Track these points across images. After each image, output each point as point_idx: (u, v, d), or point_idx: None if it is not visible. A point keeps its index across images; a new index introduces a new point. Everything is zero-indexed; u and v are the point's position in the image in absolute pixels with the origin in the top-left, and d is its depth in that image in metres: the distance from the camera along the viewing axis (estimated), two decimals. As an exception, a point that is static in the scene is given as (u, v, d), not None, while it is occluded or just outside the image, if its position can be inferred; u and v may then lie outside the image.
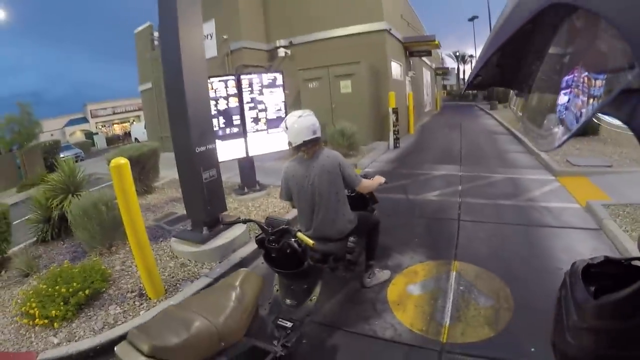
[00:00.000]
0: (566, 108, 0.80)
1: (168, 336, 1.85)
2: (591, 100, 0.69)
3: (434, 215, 5.92)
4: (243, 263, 4.75)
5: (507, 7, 0.90)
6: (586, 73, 0.74)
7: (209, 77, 6.67)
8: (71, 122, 48.01)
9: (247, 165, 7.74)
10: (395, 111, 11.86)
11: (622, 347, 1.09)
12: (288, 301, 2.94)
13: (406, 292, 3.88)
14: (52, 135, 35.56)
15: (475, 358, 2.92)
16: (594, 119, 0.77)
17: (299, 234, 2.64)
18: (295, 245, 2.63)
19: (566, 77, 0.82)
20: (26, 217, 7.16)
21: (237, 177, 8.10)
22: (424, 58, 22.40)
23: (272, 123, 7.41)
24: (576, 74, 0.77)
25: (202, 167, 4.92)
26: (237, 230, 5.23)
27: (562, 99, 0.83)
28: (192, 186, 5.05)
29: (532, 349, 2.87)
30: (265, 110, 7.38)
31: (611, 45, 0.65)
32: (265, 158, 8.38)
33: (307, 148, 3.37)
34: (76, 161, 23.15)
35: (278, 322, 2.78)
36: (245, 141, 7.29)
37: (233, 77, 7.09)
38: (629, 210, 5.15)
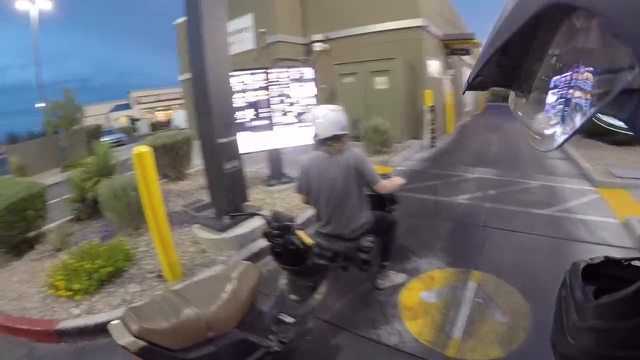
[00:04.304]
0: (566, 109, 0.78)
1: (158, 320, 1.94)
2: (591, 101, 0.69)
3: (460, 219, 5.70)
4: (261, 254, 4.84)
5: (507, 7, 0.90)
6: (586, 73, 0.73)
7: (238, 70, 6.82)
8: (116, 108, 49.81)
9: (275, 158, 7.89)
10: (431, 109, 11.55)
11: (622, 347, 1.07)
12: (292, 296, 2.98)
13: (419, 298, 3.75)
14: (96, 120, 36.91)
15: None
16: (594, 119, 0.77)
17: (298, 232, 2.68)
18: (296, 242, 2.67)
19: (566, 77, 0.81)
20: (64, 197, 7.50)
21: (266, 169, 8.26)
22: (466, 57, 21.85)
23: (302, 117, 7.47)
24: (576, 74, 0.76)
25: (224, 157, 5.05)
26: (258, 220, 5.33)
27: (562, 99, 0.82)
28: (214, 176, 5.20)
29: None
30: (294, 104, 7.45)
31: (611, 45, 0.64)
32: (297, 150, 8.48)
33: (332, 143, 3.35)
34: (118, 145, 24.19)
35: (279, 316, 2.80)
36: (274, 134, 7.40)
37: (262, 71, 7.20)
38: (672, 230, 4.61)
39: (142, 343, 1.83)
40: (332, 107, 3.42)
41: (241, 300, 2.29)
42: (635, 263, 1.36)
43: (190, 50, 4.99)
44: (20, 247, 6.00)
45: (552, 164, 9.10)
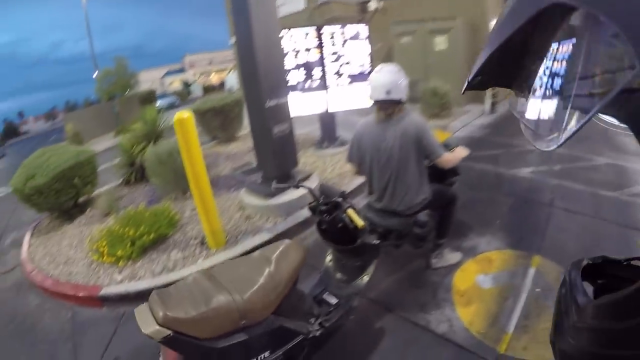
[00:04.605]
0: (566, 108, 0.78)
1: (186, 307, 1.74)
2: (591, 100, 0.69)
3: (523, 194, 5.06)
4: (308, 222, 4.51)
5: (507, 6, 0.91)
6: (586, 73, 0.73)
7: (289, 29, 6.35)
8: (170, 73, 50.96)
9: (327, 120, 7.40)
10: (493, 73, 10.63)
11: (622, 347, 1.04)
12: (339, 275, 2.69)
13: (474, 282, 3.32)
14: (151, 85, 37.80)
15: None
16: (594, 119, 0.74)
17: (349, 211, 2.31)
18: (346, 220, 2.30)
19: (566, 77, 0.82)
20: (115, 162, 7.52)
21: (318, 131, 7.77)
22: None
23: (356, 78, 6.92)
24: (576, 74, 0.75)
25: (272, 121, 4.69)
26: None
27: (562, 98, 0.82)
28: (262, 140, 4.87)
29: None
30: (348, 64, 6.88)
31: (611, 45, 0.64)
32: (349, 112, 7.98)
33: (388, 107, 2.91)
34: (170, 109, 24.66)
35: (322, 296, 2.55)
36: (327, 95, 6.91)
37: (314, 28, 6.65)
38: None
39: (166, 332, 1.64)
40: (390, 66, 2.92)
41: (280, 285, 1.99)
42: (635, 263, 1.32)
43: (234, 7, 4.60)
44: (71, 212, 6.07)
45: (621, 141, 7.93)
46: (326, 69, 6.73)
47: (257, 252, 2.19)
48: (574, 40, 0.79)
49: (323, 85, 6.79)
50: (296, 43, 6.49)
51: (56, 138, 25.76)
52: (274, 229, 4.38)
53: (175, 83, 47.92)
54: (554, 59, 0.88)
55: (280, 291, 1.99)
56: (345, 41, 6.70)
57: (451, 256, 3.54)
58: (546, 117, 0.91)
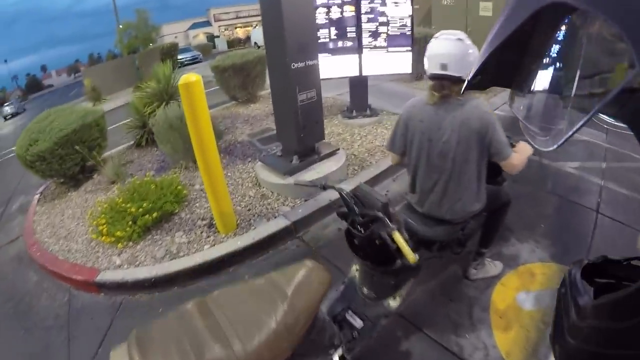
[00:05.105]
0: (566, 108, 0.79)
1: (171, 356, 1.26)
2: (591, 100, 0.70)
3: (568, 194, 4.40)
4: (331, 207, 3.91)
5: (507, 6, 0.90)
6: (586, 72, 0.74)
7: None
8: (195, 26, 49.91)
9: (359, 85, 6.56)
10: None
11: (621, 346, 1.07)
12: (366, 291, 2.16)
13: (515, 301, 2.81)
14: (175, 37, 37.01)
15: None
16: (594, 119, 0.86)
17: (397, 236, 1.66)
18: (389, 241, 1.68)
19: (566, 77, 0.85)
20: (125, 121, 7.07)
21: (347, 96, 6.92)
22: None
23: (394, 40, 6.06)
24: (576, 74, 0.76)
25: (298, 86, 4.02)
26: (333, 164, 4.42)
27: (562, 98, 0.85)
28: (285, 108, 4.22)
29: None
30: (386, 24, 6.01)
31: (611, 44, 0.67)
32: (381, 78, 7.19)
33: (437, 87, 2.23)
34: (192, 63, 23.96)
35: (345, 315, 2.10)
36: (360, 58, 6.13)
37: None
38: None
39: None
40: (453, 33, 2.21)
41: (296, 327, 1.44)
42: (635, 263, 1.36)
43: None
44: (78, 177, 5.66)
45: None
46: (362, 28, 5.94)
47: (270, 277, 1.63)
48: (573, 40, 0.83)
49: (357, 48, 6.02)
50: (329, -4, 5.66)
51: (77, 92, 25.62)
52: (292, 214, 3.81)
53: (200, 36, 46.89)
54: (554, 59, 0.93)
55: (296, 334, 1.47)
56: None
57: (492, 267, 3.00)
58: (546, 117, 0.96)
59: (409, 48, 5.99)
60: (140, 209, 3.78)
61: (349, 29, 5.90)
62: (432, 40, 2.22)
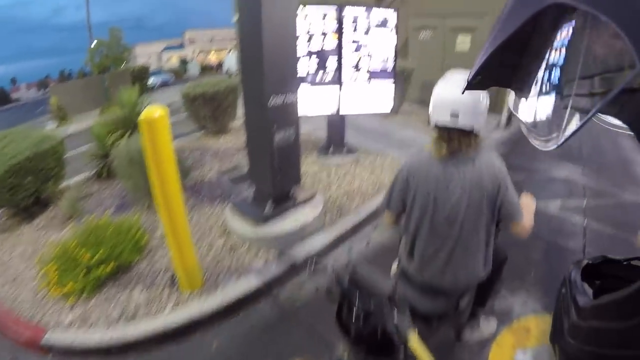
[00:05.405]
0: (566, 108, 0.76)
1: None
2: (591, 100, 0.69)
3: (554, 238, 4.32)
4: (307, 263, 3.52)
5: (507, 7, 0.89)
6: (586, 73, 0.73)
7: (304, 5, 5.21)
8: (169, 48, 49.31)
9: (337, 122, 6.27)
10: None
11: (621, 346, 1.06)
12: None
13: None
14: (149, 58, 36.46)
15: None
16: (594, 119, 0.74)
17: (414, 340, 1.35)
18: (396, 338, 1.41)
19: (566, 77, 0.81)
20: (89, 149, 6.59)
21: (323, 131, 6.57)
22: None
23: (376, 74, 5.87)
24: (576, 74, 0.75)
25: (276, 123, 3.68)
26: (309, 210, 4.09)
27: (562, 98, 0.82)
28: (260, 147, 3.86)
29: None
30: (369, 56, 5.79)
31: (611, 45, 0.65)
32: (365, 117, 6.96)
33: (446, 138, 1.93)
34: (161, 87, 23.38)
35: None
36: (339, 92, 5.82)
37: (334, 8, 5.45)
38: None
39: None
40: (464, 74, 1.84)
41: None
42: (635, 263, 1.46)
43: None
44: (31, 210, 5.14)
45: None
46: (343, 60, 5.67)
47: None
48: (574, 40, 0.80)
49: (337, 79, 5.73)
50: (311, 25, 5.36)
51: (44, 109, 24.69)
52: (263, 272, 3.45)
53: (173, 59, 46.37)
54: (554, 59, 0.89)
55: None
56: (369, 28, 5.63)
57: (486, 326, 2.79)
58: (546, 117, 0.92)
59: (392, 80, 5.92)
60: (95, 257, 3.35)
61: (329, 59, 5.63)
62: (440, 83, 1.93)
